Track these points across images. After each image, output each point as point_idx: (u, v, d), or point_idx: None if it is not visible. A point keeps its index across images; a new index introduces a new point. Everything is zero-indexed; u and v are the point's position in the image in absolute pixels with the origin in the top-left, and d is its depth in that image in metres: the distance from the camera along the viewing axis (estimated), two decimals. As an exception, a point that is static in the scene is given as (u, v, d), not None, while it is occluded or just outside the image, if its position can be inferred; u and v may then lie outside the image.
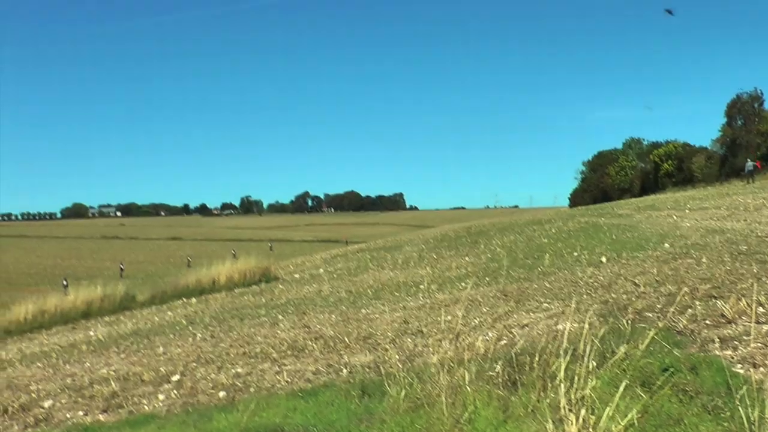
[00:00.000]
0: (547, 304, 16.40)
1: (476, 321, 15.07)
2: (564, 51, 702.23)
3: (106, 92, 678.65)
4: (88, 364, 19.47)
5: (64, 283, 76.50)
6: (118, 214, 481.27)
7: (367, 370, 11.92)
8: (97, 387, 14.57)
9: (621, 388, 7.52)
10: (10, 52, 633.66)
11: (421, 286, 25.73)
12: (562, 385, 7.61)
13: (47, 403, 13.90)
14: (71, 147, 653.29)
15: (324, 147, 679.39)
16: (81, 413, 12.62)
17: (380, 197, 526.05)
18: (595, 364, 8.36)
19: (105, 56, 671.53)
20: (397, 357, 11.94)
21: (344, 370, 12.25)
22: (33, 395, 15.23)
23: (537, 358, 8.91)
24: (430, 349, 12.63)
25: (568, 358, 8.14)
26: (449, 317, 15.20)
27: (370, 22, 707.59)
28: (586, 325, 8.95)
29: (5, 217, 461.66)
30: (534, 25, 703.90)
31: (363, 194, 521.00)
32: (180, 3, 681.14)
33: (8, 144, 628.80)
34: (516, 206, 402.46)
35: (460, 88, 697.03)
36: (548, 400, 7.87)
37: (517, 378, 8.99)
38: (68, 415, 12.71)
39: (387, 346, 13.75)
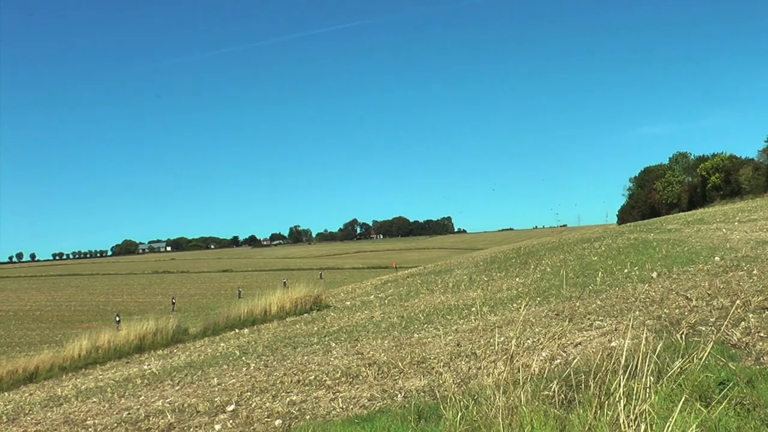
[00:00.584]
0: (599, 322, 16.33)
1: (530, 341, 15.04)
2: (607, 68, 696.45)
3: (150, 129, 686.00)
4: (143, 398, 19.59)
5: (117, 318, 77.17)
6: (168, 249, 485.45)
7: (422, 394, 11.91)
8: (153, 419, 14.66)
9: (680, 404, 7.47)
10: (61, 93, 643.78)
11: (473, 309, 25.69)
12: (621, 402, 7.58)
13: (105, 437, 14.03)
14: (119, 185, 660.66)
15: (371, 174, 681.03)
16: (139, 446, 12.72)
17: (428, 222, 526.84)
18: (652, 379, 8.32)
19: (150, 94, 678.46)
20: (451, 380, 11.94)
21: (399, 395, 12.26)
22: (90, 430, 15.37)
23: (593, 376, 8.87)
24: (485, 370, 12.62)
25: (626, 374, 8.11)
26: (502, 338, 15.17)
27: (413, 48, 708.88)
28: (643, 341, 8.91)
29: (57, 257, 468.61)
30: (575, 43, 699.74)
31: (411, 219, 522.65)
32: (225, 38, 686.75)
33: (58, 184, 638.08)
34: (564, 225, 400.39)
35: (504, 110, 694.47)
36: (606, 418, 7.84)
37: (574, 396, 8.96)
38: (126, 448, 12.83)
39: (441, 370, 13.75)
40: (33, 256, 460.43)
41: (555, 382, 9.37)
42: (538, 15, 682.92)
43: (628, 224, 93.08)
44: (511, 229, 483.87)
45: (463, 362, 14.25)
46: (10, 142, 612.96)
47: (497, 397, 8.70)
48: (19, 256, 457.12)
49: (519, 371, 9.71)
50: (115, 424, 15.27)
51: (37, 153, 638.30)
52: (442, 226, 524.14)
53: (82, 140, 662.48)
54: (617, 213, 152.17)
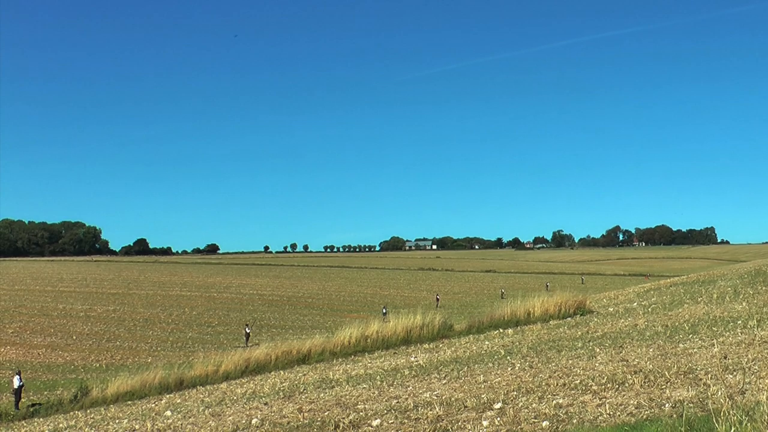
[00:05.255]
0: None
1: (800, 359, 14.59)
2: None
3: (416, 137, 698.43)
4: (411, 388, 20.23)
5: (384, 311, 78.89)
6: (434, 247, 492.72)
7: (690, 405, 11.79)
8: (422, 410, 15.18)
9: None
10: (322, 98, 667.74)
11: (739, 322, 25.01)
12: None
13: (375, 422, 14.64)
14: (389, 187, 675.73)
15: (635, 181, 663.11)
16: (408, 435, 13.22)
17: (691, 231, 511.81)
18: None
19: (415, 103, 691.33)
20: (721, 393, 11.78)
21: (666, 405, 12.19)
22: (361, 414, 16.10)
23: None
24: (755, 386, 12.39)
25: None
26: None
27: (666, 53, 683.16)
28: None
29: (328, 249, 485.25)
30: None
31: (674, 228, 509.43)
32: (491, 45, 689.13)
33: (333, 183, 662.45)
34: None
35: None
36: None
37: None
38: (396, 435, 13.36)
39: (709, 382, 13.56)
40: (306, 247, 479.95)
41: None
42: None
43: None
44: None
45: (730, 376, 13.99)
46: (293, 146, 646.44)
47: (773, 414, 8.59)
48: (293, 246, 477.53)
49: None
50: (385, 411, 15.92)
51: (317, 154, 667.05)
52: (704, 236, 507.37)
53: (356, 144, 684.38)
54: None
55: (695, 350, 19.18)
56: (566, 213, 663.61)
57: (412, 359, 31.61)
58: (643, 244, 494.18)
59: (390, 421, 14.62)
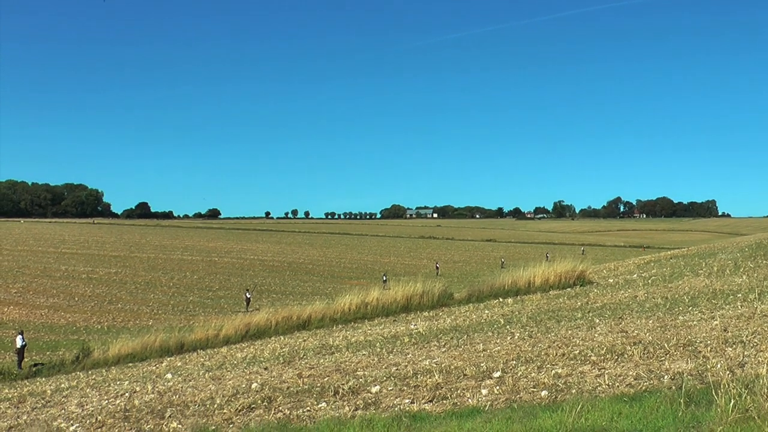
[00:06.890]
0: None
1: (800, 332, 14.60)
2: None
3: (418, 105, 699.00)
4: (411, 356, 20.31)
5: (384, 278, 78.89)
6: (435, 215, 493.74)
7: (689, 377, 11.81)
8: (421, 377, 15.23)
9: None
10: (334, 66, 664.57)
11: (739, 295, 25.02)
12: None
13: (374, 389, 14.70)
14: (391, 155, 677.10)
15: (637, 153, 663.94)
16: (407, 401, 13.26)
17: (692, 203, 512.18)
18: None
19: (418, 70, 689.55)
20: (721, 366, 11.81)
21: (665, 377, 12.21)
22: (360, 380, 16.15)
23: None
24: (755, 359, 12.42)
25: None
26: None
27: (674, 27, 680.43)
28: None
29: (329, 216, 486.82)
30: None
31: (675, 200, 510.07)
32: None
33: (334, 150, 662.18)
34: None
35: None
36: None
37: None
38: (395, 402, 13.41)
39: (708, 355, 13.58)
40: (307, 213, 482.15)
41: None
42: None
43: None
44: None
45: (730, 349, 13.99)
46: (294, 113, 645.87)
47: (772, 388, 8.59)
48: (294, 212, 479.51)
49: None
50: (384, 378, 15.97)
51: (319, 121, 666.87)
52: (706, 209, 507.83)
53: (358, 111, 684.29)
54: None
55: (695, 323, 19.18)
56: (567, 183, 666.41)
57: (412, 327, 31.70)
58: (644, 215, 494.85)
59: (389, 388, 14.67)
